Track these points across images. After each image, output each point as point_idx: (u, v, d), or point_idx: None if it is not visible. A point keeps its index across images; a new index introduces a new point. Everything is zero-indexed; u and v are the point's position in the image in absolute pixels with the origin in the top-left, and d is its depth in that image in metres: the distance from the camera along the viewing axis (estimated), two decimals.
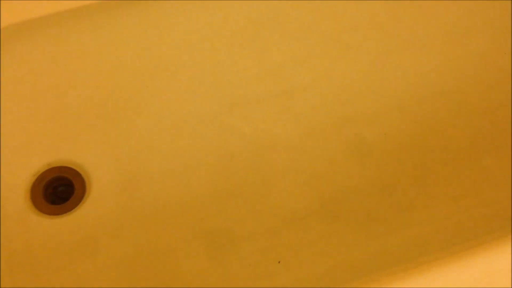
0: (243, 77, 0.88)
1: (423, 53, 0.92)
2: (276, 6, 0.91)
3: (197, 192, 0.86)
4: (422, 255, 0.81)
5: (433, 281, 0.64)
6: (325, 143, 0.86)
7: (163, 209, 0.85)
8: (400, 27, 0.93)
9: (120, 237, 0.83)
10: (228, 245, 0.82)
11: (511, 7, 0.94)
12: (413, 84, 0.91)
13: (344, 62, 0.90)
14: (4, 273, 0.78)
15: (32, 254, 0.80)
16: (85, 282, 0.79)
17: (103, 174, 0.86)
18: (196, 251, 0.81)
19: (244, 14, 0.89)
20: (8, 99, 0.84)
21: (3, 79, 0.83)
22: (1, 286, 0.76)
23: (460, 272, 0.65)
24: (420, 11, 0.93)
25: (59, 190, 0.87)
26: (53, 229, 0.83)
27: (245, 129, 0.87)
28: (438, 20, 0.94)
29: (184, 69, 0.88)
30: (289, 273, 0.80)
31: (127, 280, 0.80)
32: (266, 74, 0.89)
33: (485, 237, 0.72)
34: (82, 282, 0.79)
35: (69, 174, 0.87)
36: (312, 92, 0.89)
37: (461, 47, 0.93)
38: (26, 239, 0.81)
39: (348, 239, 0.84)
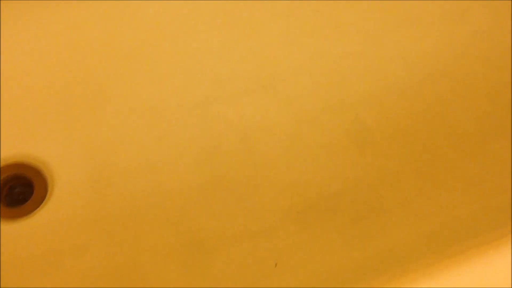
0: (227, 60, 0.79)
1: (422, 32, 0.85)
2: None
3: (177, 189, 0.75)
4: (430, 252, 0.74)
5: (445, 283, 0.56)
6: (322, 129, 0.78)
7: (138, 212, 0.74)
8: (397, 4, 0.86)
9: (86, 248, 0.71)
10: (214, 252, 0.72)
11: None
12: (412, 64, 0.83)
13: (338, 42, 0.82)
14: None
15: None
16: None
17: (67, 171, 0.74)
18: (175, 265, 0.70)
19: None
20: None
21: None
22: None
23: (472, 273, 0.57)
24: None
25: (16, 190, 0.75)
26: (8, 236, 0.71)
27: (231, 117, 0.77)
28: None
29: (161, 52, 0.78)
30: (287, 276, 0.71)
31: None
32: (252, 56, 0.80)
33: (496, 231, 0.65)
34: None
35: (28, 172, 0.75)
36: (304, 75, 0.80)
37: (460, 25, 0.86)
38: None
39: (349, 235, 0.75)
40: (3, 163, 0.73)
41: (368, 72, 0.81)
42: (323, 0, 0.83)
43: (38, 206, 0.74)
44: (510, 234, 0.63)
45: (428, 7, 0.86)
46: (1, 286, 0.68)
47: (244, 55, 0.80)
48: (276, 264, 0.71)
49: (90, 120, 0.75)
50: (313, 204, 0.74)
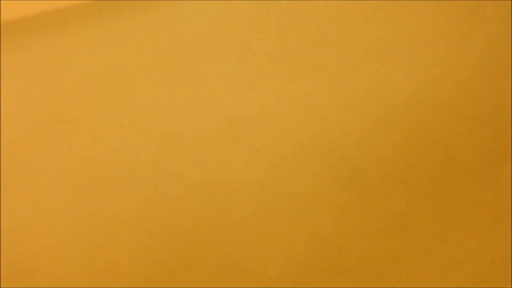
0: (177, 113, 0.66)
1: (391, 62, 0.75)
2: (207, 27, 0.72)
3: (133, 268, 0.57)
4: None
5: None
6: (304, 175, 0.63)
7: None
8: (358, 39, 0.77)
9: None
10: None
11: (470, 10, 0.82)
12: (390, 95, 0.72)
13: (303, 82, 0.71)
14: None
15: None
16: None
17: None
18: None
19: (170, 38, 0.70)
20: None
21: None
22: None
23: None
24: (373, 21, 0.78)
25: None
26: None
27: (189, 174, 0.62)
28: (396, 29, 0.79)
29: (101, 111, 0.64)
30: None
31: None
32: (207, 105, 0.67)
33: None
34: None
35: None
36: (269, 119, 0.67)
37: (429, 52, 0.77)
38: None
39: None
40: None
41: (344, 109, 0.69)
42: (277, 44, 0.73)
43: None
44: None
45: (394, 37, 0.77)
46: None
47: (196, 105, 0.67)
48: None
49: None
50: (311, 268, 0.57)
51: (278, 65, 0.72)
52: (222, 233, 0.59)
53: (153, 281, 0.59)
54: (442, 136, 0.69)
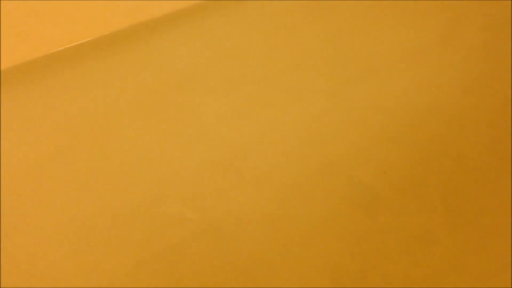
0: (169, 150, 0.62)
1: (385, 75, 0.72)
2: (189, 61, 0.69)
3: None
4: None
5: None
6: (312, 201, 0.59)
7: None
8: (347, 56, 0.74)
9: None
10: None
11: (458, 23, 0.80)
12: (391, 109, 0.68)
13: (297, 105, 0.67)
14: None
15: None
16: None
17: None
18: None
19: (153, 76, 0.67)
20: None
21: None
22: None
23: None
24: (361, 36, 0.76)
25: None
26: None
27: (189, 215, 0.57)
28: (385, 42, 0.76)
29: (83, 152, 0.60)
30: None
31: None
32: (201, 139, 0.63)
33: None
34: None
35: None
36: (267, 147, 0.63)
37: (420, 61, 0.74)
38: None
39: None
40: None
41: (344, 128, 0.66)
42: (262, 71, 0.70)
43: None
44: None
45: (384, 50, 0.74)
46: None
47: (189, 141, 0.63)
48: None
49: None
50: None
51: (268, 91, 0.69)
52: (232, 275, 0.54)
53: None
54: (449, 144, 0.65)
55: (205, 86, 0.68)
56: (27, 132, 0.62)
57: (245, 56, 0.71)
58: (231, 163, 0.61)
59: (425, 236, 0.57)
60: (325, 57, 0.75)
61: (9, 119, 0.63)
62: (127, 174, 0.60)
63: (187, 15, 0.73)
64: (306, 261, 0.55)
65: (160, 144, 0.62)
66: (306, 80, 0.71)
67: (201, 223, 0.57)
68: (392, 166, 0.63)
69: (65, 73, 0.65)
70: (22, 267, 0.55)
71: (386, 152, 0.64)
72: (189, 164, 0.62)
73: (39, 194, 0.58)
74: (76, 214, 0.56)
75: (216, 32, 0.73)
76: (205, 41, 0.71)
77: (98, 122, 0.62)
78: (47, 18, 0.68)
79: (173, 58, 0.69)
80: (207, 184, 0.60)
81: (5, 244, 0.56)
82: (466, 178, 0.62)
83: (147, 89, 0.67)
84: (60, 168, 0.59)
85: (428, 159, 0.63)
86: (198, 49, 0.71)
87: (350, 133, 0.65)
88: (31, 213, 0.57)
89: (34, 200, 0.58)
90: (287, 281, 0.55)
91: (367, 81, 0.73)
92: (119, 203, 0.57)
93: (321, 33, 0.79)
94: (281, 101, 0.68)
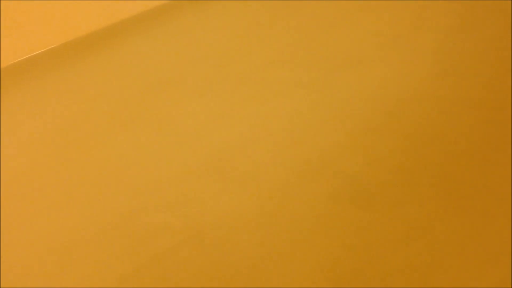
0: (151, 156, 0.60)
1: (367, 64, 0.70)
2: (163, 64, 0.67)
3: None
4: None
5: None
6: (301, 199, 0.56)
7: None
8: (326, 48, 0.72)
9: None
10: None
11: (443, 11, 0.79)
12: (374, 97, 0.67)
13: (278, 101, 0.65)
14: None
15: None
16: None
17: None
18: None
19: (126, 78, 0.64)
20: None
21: None
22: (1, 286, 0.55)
23: None
24: (337, 27, 0.74)
25: None
26: None
27: (177, 224, 0.55)
28: (363, 31, 0.75)
29: (61, 163, 0.58)
30: None
31: None
32: (182, 143, 0.61)
33: None
34: None
35: None
36: (253, 146, 0.61)
37: (401, 48, 0.73)
38: None
39: None
40: None
41: (328, 121, 0.63)
42: (237, 66, 0.68)
43: None
44: None
45: (363, 39, 0.73)
46: None
47: (170, 147, 0.61)
48: None
49: None
50: None
51: (247, 89, 0.67)
52: (224, 282, 0.52)
53: None
54: (437, 131, 0.64)
55: (182, 88, 0.65)
56: None
57: (221, 55, 0.69)
58: (214, 166, 0.59)
59: (418, 225, 0.56)
60: (303, 51, 0.73)
61: None
62: (109, 184, 0.58)
63: (158, 15, 0.71)
64: (299, 262, 0.53)
65: (140, 152, 0.60)
66: (284, 75, 0.70)
67: (186, 230, 0.55)
68: (381, 156, 0.61)
69: (24, 86, 0.63)
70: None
71: (373, 142, 0.62)
72: (171, 171, 0.59)
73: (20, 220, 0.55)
74: (60, 230, 0.54)
75: (190, 32, 0.71)
76: (179, 42, 0.69)
77: (72, 133, 0.59)
78: None
79: (146, 61, 0.67)
80: (192, 189, 0.58)
81: None
82: (454, 162, 0.61)
83: (120, 95, 0.65)
84: (38, 183, 0.56)
85: (414, 146, 0.62)
86: (172, 51, 0.69)
87: (333, 126, 0.63)
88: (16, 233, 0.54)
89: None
90: (283, 281, 0.53)
91: (346, 72, 0.71)
92: (104, 214, 0.55)
93: (297, 27, 0.78)
94: (261, 98, 0.66)
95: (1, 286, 0.53)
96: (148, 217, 0.56)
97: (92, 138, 0.62)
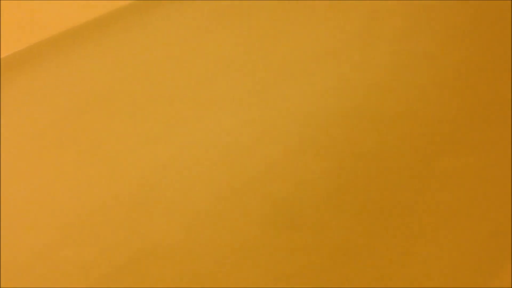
0: (69, 187, 0.56)
1: (302, 77, 0.68)
2: (85, 83, 0.64)
3: None
4: None
5: None
6: (229, 225, 0.54)
7: None
8: (261, 61, 0.70)
9: None
10: None
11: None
12: (307, 112, 0.64)
13: (205, 124, 0.62)
14: None
15: None
16: None
17: None
18: None
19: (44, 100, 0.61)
20: None
21: None
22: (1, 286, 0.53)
23: None
24: (273, 38, 0.72)
25: None
26: None
27: (94, 259, 0.52)
28: (300, 42, 0.72)
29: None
30: None
31: None
32: (106, 171, 0.58)
33: None
34: None
35: None
36: (175, 173, 0.58)
37: (339, 59, 0.70)
38: None
39: None
40: None
41: (259, 139, 0.61)
42: (166, 84, 0.65)
43: None
44: None
45: (299, 51, 0.70)
46: None
47: (88, 175, 0.58)
48: None
49: None
50: None
51: (177, 107, 0.64)
52: None
53: None
54: (367, 145, 0.62)
55: (105, 109, 0.62)
56: None
57: (149, 71, 0.66)
58: (136, 196, 0.56)
59: (357, 244, 0.54)
60: (240, 64, 0.70)
61: None
62: (22, 220, 0.54)
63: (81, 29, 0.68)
64: None
65: (57, 183, 0.57)
66: (218, 91, 0.67)
67: (107, 265, 0.52)
68: (312, 176, 0.59)
69: None
70: None
71: (304, 161, 0.60)
72: (90, 204, 0.56)
73: None
74: None
75: (115, 48, 0.67)
76: (101, 59, 0.65)
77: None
78: None
79: (69, 80, 0.64)
80: (111, 223, 0.55)
81: None
82: (386, 179, 0.59)
83: (42, 117, 0.61)
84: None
85: (347, 164, 0.60)
86: (97, 69, 0.65)
87: (264, 145, 0.61)
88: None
89: None
90: None
91: (284, 85, 0.68)
92: (19, 248, 0.52)
93: (234, 38, 0.75)
94: (192, 118, 0.63)
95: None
96: (66, 252, 0.53)
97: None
